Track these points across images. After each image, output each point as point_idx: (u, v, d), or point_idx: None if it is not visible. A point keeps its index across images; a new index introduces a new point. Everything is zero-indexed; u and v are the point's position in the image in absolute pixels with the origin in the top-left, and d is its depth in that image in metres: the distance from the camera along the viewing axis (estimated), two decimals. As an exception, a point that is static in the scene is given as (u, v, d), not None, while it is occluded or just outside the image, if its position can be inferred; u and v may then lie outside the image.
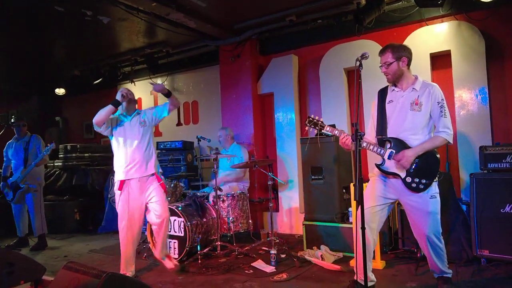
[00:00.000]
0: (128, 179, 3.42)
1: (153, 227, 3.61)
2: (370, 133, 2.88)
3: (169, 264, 3.58)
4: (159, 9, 4.44)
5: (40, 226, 4.95)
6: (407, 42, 4.42)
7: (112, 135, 3.51)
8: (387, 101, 2.78)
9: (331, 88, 4.94)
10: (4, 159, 5.12)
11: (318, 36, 5.15)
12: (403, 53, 2.68)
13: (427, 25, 4.35)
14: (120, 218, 3.45)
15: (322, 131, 2.78)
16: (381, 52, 2.75)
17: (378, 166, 2.72)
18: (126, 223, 3.41)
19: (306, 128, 2.82)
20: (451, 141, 2.64)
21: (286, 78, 5.26)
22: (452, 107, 4.23)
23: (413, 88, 2.70)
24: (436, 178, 2.63)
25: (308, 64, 5.32)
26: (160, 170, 3.98)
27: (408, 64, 2.72)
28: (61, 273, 2.34)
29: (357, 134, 2.43)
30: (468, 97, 4.13)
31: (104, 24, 4.90)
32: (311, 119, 2.80)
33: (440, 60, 4.36)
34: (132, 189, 3.43)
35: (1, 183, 5.03)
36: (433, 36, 4.29)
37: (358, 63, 2.49)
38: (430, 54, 4.30)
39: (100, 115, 3.36)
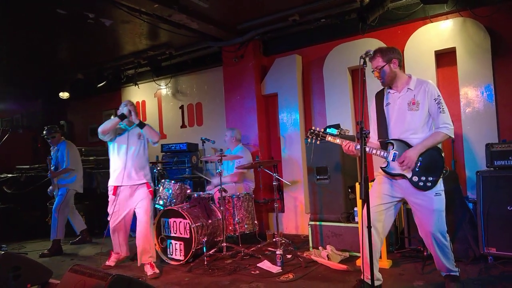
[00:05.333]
0: (119, 186, 3.76)
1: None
2: (372, 137, 2.89)
3: (149, 271, 3.62)
4: (161, 10, 4.43)
5: (56, 229, 4.85)
6: (411, 39, 4.40)
7: (111, 142, 3.86)
8: (384, 103, 2.79)
9: (335, 87, 4.92)
10: None
11: (321, 36, 5.13)
12: (393, 55, 2.68)
13: (432, 22, 4.32)
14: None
15: (325, 140, 2.81)
16: (371, 58, 2.75)
17: (383, 169, 2.72)
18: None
19: (309, 139, 2.84)
20: (453, 136, 2.64)
21: (290, 78, 5.24)
22: (458, 105, 4.20)
23: (408, 88, 2.70)
24: (442, 174, 2.61)
25: (312, 64, 5.30)
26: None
27: (400, 65, 2.72)
28: (67, 276, 2.36)
29: (362, 133, 2.42)
30: (474, 94, 4.10)
31: (107, 27, 4.91)
32: (312, 130, 2.85)
33: (445, 58, 4.33)
34: (124, 195, 3.79)
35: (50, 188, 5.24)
36: (437, 34, 4.26)
37: (362, 61, 2.51)
38: (435, 51, 4.27)
39: (106, 126, 3.73)
